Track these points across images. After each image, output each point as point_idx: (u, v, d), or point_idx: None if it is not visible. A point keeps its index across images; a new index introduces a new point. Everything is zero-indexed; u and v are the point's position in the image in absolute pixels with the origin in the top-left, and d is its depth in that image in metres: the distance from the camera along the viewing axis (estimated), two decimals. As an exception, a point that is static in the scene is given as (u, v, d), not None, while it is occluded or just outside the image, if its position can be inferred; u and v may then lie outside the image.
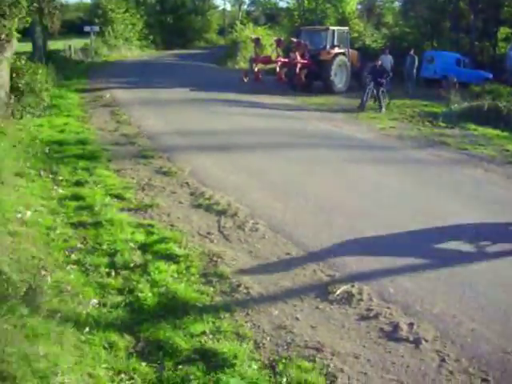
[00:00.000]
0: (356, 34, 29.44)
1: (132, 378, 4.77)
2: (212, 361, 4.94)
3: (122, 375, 4.80)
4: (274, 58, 24.44)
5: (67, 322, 5.34)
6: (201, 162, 11.01)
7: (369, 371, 4.81)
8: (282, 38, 26.01)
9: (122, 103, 18.35)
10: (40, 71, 17.21)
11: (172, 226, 7.93)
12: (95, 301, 5.90)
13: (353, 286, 6.20)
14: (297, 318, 5.65)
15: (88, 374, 4.67)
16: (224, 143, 12.41)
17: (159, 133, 13.73)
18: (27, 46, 25.86)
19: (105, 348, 5.13)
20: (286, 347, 5.18)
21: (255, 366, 4.87)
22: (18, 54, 16.75)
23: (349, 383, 4.66)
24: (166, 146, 12.43)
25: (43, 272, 5.84)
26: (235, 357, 4.94)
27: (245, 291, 6.16)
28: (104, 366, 4.88)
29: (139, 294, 6.01)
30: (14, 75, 15.77)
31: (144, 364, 4.96)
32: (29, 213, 8.08)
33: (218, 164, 10.84)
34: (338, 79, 23.54)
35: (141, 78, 25.21)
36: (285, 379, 4.71)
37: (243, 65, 31.66)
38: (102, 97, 19.70)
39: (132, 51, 42.66)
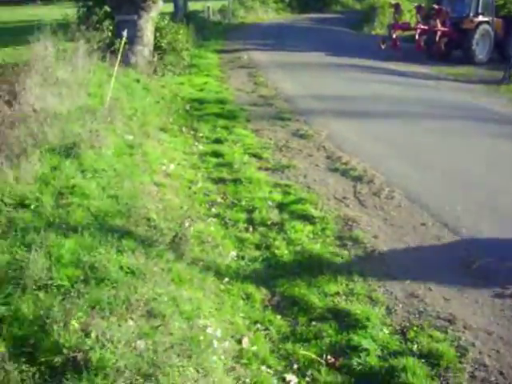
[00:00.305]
0: (501, 1, 27.82)
1: (267, 329, 4.99)
2: (344, 321, 5.07)
3: (258, 325, 5.03)
4: (413, 24, 23.72)
5: (208, 270, 5.66)
6: (337, 126, 11.02)
7: (501, 349, 4.73)
8: (423, 5, 25.12)
9: (259, 65, 18.56)
10: (181, 31, 17.70)
11: (308, 187, 8.06)
12: (234, 253, 6.19)
13: (490, 263, 6.04)
14: (430, 289, 5.63)
15: (227, 321, 4.94)
16: (360, 110, 12.32)
17: (295, 96, 13.82)
18: (169, 7, 26.58)
19: (242, 298, 5.40)
20: (417, 315, 5.19)
21: (386, 331, 4.94)
22: (161, 15, 17.30)
23: (480, 358, 4.60)
24: (303, 109, 12.51)
25: (186, 222, 6.15)
26: (367, 319, 5.03)
27: (379, 257, 6.21)
28: (241, 315, 5.14)
29: (276, 251, 6.24)
30: (157, 34, 16.37)
31: (279, 317, 5.17)
32: (172, 166, 8.51)
33: (354, 130, 10.80)
34: (480, 49, 22.42)
35: (277, 40, 25.31)
36: (415, 346, 4.74)
37: (380, 31, 30.94)
38: (239, 58, 20.00)
39: (268, 14, 42.72)
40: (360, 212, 7.29)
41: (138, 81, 13.49)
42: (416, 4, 25.38)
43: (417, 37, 22.20)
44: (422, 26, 22.45)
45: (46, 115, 8.17)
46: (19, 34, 17.63)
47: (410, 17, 27.83)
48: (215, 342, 4.16)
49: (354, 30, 32.73)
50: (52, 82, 9.89)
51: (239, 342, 4.70)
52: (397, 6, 24.07)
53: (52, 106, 8.75)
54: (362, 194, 7.89)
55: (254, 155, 9.41)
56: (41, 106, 8.52)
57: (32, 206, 5.89)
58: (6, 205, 5.80)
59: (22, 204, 5.93)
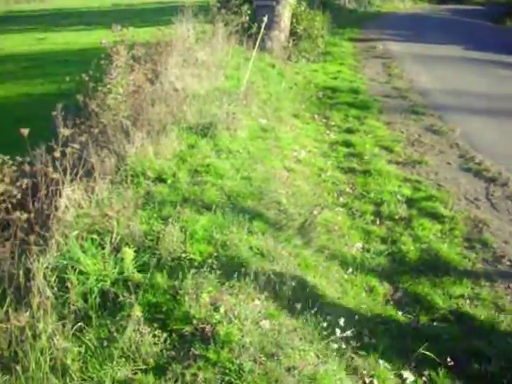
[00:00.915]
0: None
1: (387, 323, 4.98)
2: (467, 325, 4.98)
3: (379, 319, 5.03)
4: None
5: (333, 259, 5.72)
6: (472, 125, 10.63)
7: None
8: None
9: (394, 56, 18.19)
10: (317, 18, 17.59)
11: (439, 185, 7.91)
12: (360, 245, 6.22)
13: None
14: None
15: (349, 311, 4.98)
16: (499, 108, 11.76)
17: (431, 90, 13.45)
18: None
19: (365, 290, 5.42)
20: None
21: (510, 341, 4.77)
22: (298, 0, 17.36)
23: None
24: (438, 104, 12.16)
25: (315, 210, 6.23)
26: (491, 326, 4.92)
27: (508, 263, 6.01)
28: (363, 306, 5.16)
29: (402, 246, 6.21)
30: (293, 20, 16.46)
31: (400, 313, 5.15)
32: (303, 152, 8.61)
33: (490, 130, 10.36)
34: None
35: (413, 31, 24.63)
36: (541, 361, 4.58)
37: (524, 25, 29.44)
38: (374, 47, 19.67)
39: (405, 3, 41.71)
40: (491, 215, 7.07)
41: (273, 66, 13.68)
42: None
43: None
44: None
45: (185, 95, 8.48)
46: (159, 14, 18.31)
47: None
48: (338, 331, 4.21)
49: (496, 23, 31.27)
50: (192, 63, 10.25)
51: (359, 333, 4.73)
52: (546, 1, 22.80)
53: (191, 86, 9.08)
54: (494, 196, 7.63)
55: (385, 148, 9.32)
56: (180, 85, 8.84)
57: (169, 181, 6.19)
58: (145, 178, 6.12)
59: (159, 178, 6.25)
